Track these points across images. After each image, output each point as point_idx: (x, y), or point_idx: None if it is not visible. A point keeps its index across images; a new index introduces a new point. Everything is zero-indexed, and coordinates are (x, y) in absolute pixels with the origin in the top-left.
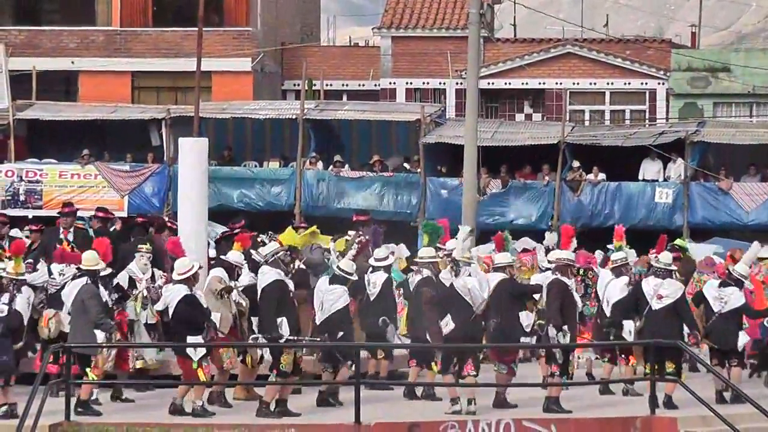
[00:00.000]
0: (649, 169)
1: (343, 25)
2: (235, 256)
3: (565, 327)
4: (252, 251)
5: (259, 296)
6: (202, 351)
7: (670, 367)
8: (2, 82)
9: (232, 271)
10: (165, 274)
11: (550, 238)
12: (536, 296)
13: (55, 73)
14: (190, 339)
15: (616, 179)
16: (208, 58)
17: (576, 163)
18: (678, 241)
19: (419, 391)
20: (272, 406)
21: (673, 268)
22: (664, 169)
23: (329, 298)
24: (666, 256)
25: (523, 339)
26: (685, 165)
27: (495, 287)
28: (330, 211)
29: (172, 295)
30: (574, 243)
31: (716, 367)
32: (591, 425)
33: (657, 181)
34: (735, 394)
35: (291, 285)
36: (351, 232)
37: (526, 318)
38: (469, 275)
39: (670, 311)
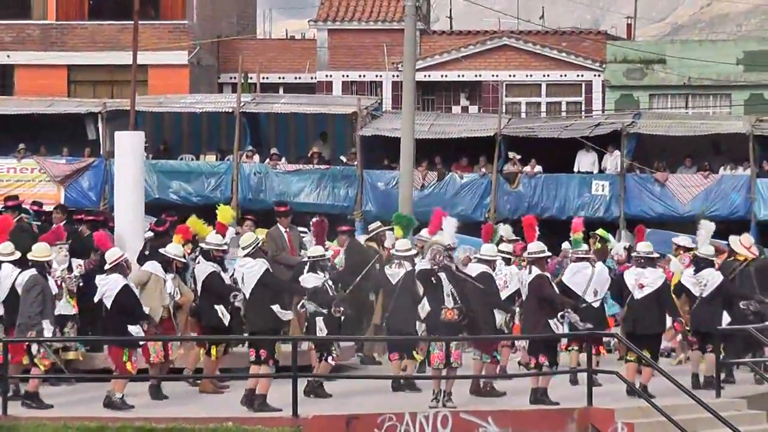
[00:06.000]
0: (584, 161)
1: (280, 18)
2: (173, 249)
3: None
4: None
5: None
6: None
7: (647, 354)
8: None
9: (170, 264)
10: (80, 264)
11: (505, 229)
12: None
13: None
14: (129, 328)
15: (552, 171)
16: (144, 51)
17: (513, 155)
18: (599, 231)
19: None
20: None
21: (655, 256)
22: (600, 160)
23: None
24: (645, 246)
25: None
26: (621, 157)
27: (476, 278)
28: (267, 204)
29: (110, 285)
30: (537, 232)
31: (696, 353)
32: (528, 417)
33: (593, 173)
34: (707, 380)
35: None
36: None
37: (500, 316)
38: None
39: (652, 300)
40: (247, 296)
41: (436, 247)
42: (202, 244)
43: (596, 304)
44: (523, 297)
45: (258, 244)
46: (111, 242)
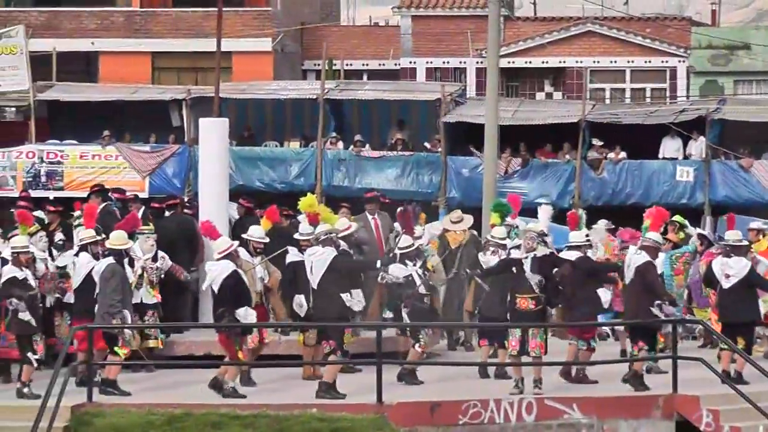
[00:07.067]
0: (669, 146)
1: (363, 5)
2: (254, 231)
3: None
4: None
5: None
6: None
7: (741, 343)
8: (23, 64)
9: (249, 246)
10: (164, 256)
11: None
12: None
13: (75, 54)
14: (237, 312)
15: (636, 157)
16: (228, 38)
17: (597, 141)
18: (677, 218)
19: (491, 370)
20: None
21: (743, 244)
22: (684, 146)
23: None
24: (733, 234)
25: (600, 317)
26: (705, 143)
27: (572, 265)
28: (351, 191)
29: (219, 271)
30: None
31: None
32: (613, 403)
33: (677, 159)
34: None
35: None
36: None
37: (604, 294)
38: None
39: (740, 289)
40: (315, 286)
41: (529, 233)
42: (296, 235)
43: None
44: (626, 279)
45: (331, 234)
46: (218, 231)
